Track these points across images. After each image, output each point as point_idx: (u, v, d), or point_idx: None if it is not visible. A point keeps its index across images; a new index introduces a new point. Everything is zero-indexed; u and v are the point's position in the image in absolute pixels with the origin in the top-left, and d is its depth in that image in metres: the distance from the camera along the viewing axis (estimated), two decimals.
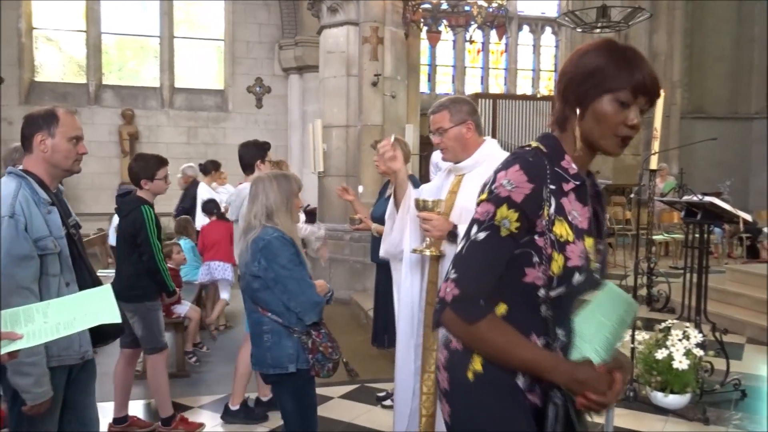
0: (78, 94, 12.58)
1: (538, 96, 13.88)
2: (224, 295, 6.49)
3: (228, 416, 4.22)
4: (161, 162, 3.96)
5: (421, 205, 2.65)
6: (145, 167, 3.90)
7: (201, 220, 7.04)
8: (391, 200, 2.98)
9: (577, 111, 1.52)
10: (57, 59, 12.91)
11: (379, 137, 7.72)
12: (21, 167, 2.43)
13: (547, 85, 15.51)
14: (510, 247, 1.49)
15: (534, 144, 1.60)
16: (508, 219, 1.47)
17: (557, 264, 1.48)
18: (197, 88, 13.42)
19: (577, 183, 1.53)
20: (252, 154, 4.26)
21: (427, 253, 2.68)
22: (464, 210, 2.69)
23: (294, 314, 2.68)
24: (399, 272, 2.97)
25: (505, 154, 2.80)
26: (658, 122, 6.43)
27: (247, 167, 4.25)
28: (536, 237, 1.50)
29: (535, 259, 1.50)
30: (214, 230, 6.50)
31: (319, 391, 4.71)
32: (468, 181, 2.75)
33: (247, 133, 13.22)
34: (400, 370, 2.90)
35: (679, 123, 14.83)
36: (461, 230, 2.58)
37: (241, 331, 6.51)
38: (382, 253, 3.06)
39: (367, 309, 6.25)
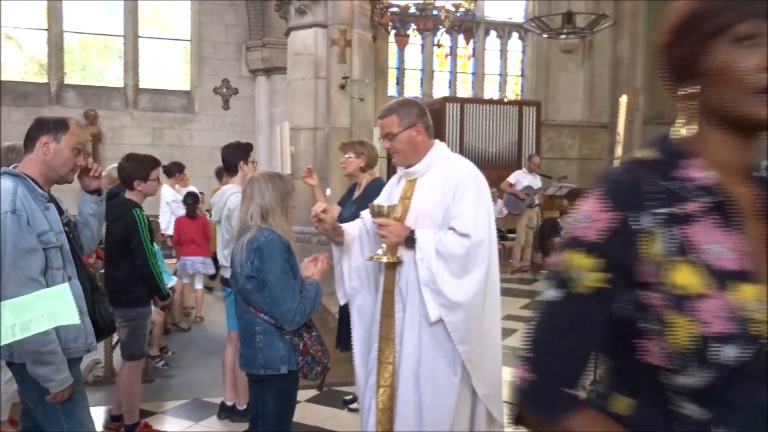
0: (39, 93, 12.29)
1: (506, 100, 14.02)
2: (200, 285, 6.85)
3: (235, 415, 4.18)
4: (155, 162, 3.92)
5: (376, 211, 2.61)
6: (140, 168, 3.83)
7: (166, 219, 6.99)
8: (334, 247, 2.93)
9: (691, 84, 1.05)
10: (17, 58, 12.60)
11: (348, 140, 7.71)
12: (15, 167, 2.49)
13: (514, 90, 15.69)
14: (598, 309, 1.01)
15: (640, 153, 1.09)
16: (585, 269, 1.00)
17: (682, 333, 0.94)
18: (162, 89, 13.23)
19: (715, 199, 0.99)
20: (235, 155, 4.26)
21: (384, 260, 2.63)
22: (420, 214, 2.67)
23: None
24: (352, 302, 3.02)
25: (457, 157, 2.83)
26: (621, 127, 6.55)
27: (231, 168, 4.25)
28: (640, 291, 0.99)
29: (647, 325, 0.99)
30: (189, 226, 6.47)
31: None
32: (422, 185, 2.73)
33: (213, 134, 13.10)
34: (357, 379, 2.90)
35: (642, 128, 15.15)
36: (419, 235, 2.57)
37: (204, 336, 6.49)
38: (342, 299, 3.02)
39: (334, 312, 6.22)
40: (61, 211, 2.55)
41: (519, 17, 15.31)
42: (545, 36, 12.42)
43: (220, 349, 5.74)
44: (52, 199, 2.53)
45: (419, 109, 2.77)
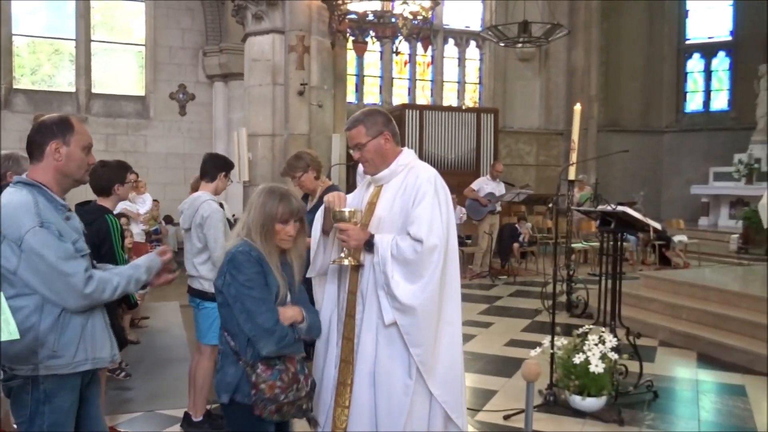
0: None
1: (464, 108, 14.17)
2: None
3: (191, 427, 4.07)
4: (127, 166, 3.89)
5: (337, 216, 2.64)
6: (118, 172, 3.78)
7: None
8: (317, 224, 2.93)
9: None
10: None
11: (306, 146, 7.66)
12: (26, 176, 2.32)
13: (472, 97, 15.87)
14: None
15: None
16: None
17: None
18: (116, 94, 12.94)
19: None
20: (215, 164, 4.18)
21: (346, 262, 2.68)
22: (382, 219, 2.71)
23: (245, 338, 2.39)
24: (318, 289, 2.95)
25: (422, 164, 2.86)
26: (575, 134, 6.70)
27: (208, 174, 4.16)
28: None
29: None
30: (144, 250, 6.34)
31: None
32: (386, 191, 2.78)
33: (169, 141, 12.87)
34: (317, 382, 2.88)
35: (596, 136, 15.50)
36: (378, 240, 2.62)
37: (155, 347, 6.33)
38: (312, 273, 2.98)
39: None
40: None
41: (476, 26, 15.51)
42: (502, 44, 12.60)
43: (173, 360, 5.64)
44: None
45: (385, 117, 2.82)
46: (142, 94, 13.14)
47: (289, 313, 2.44)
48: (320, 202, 4.12)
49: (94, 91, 12.74)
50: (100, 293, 2.25)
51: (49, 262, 2.15)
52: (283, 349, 2.39)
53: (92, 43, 12.80)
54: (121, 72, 13.17)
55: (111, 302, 2.46)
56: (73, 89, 12.60)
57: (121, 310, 3.88)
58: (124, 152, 12.50)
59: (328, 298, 2.87)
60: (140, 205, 7.11)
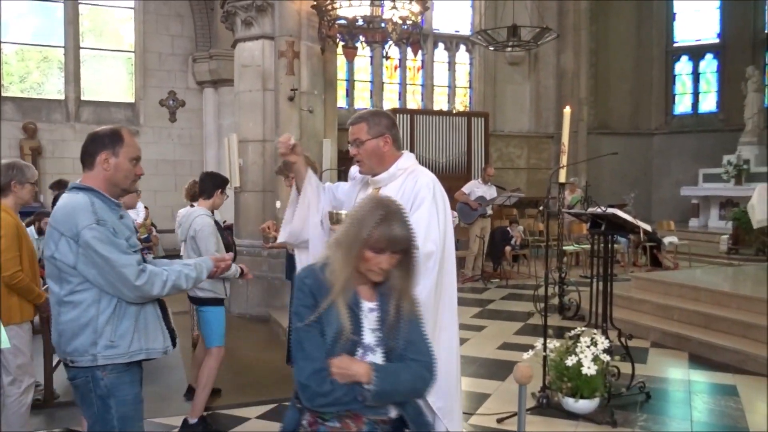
0: None
1: (455, 112, 14.20)
2: None
3: (185, 428, 4.23)
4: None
5: (334, 219, 2.64)
6: None
7: None
8: (293, 187, 2.95)
9: None
10: None
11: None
12: (79, 182, 2.50)
13: (463, 101, 15.90)
14: None
15: None
16: None
17: None
18: (106, 101, 12.89)
19: None
20: (214, 182, 4.57)
21: None
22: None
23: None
24: (302, 263, 2.95)
25: (421, 169, 2.86)
26: (565, 138, 6.70)
27: (205, 192, 4.55)
28: None
29: None
30: None
31: (235, 412, 4.63)
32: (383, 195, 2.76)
33: (160, 147, 12.82)
34: None
35: (587, 138, 15.56)
36: None
37: None
38: (282, 238, 3.01)
39: (285, 326, 6.14)
40: None
41: (466, 30, 15.56)
42: (492, 48, 12.64)
43: (167, 367, 5.59)
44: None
45: (389, 120, 2.81)
46: (132, 100, 13.10)
47: (354, 368, 1.86)
48: None
49: (83, 98, 12.69)
50: (151, 285, 2.39)
51: (102, 254, 2.31)
52: (326, 407, 1.88)
53: (81, 50, 12.75)
54: (110, 79, 13.13)
55: (162, 302, 2.61)
56: (62, 97, 12.54)
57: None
58: None
59: None
60: (133, 214, 7.06)
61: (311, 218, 2.91)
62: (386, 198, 2.06)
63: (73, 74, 12.58)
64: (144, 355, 2.47)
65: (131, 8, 12.99)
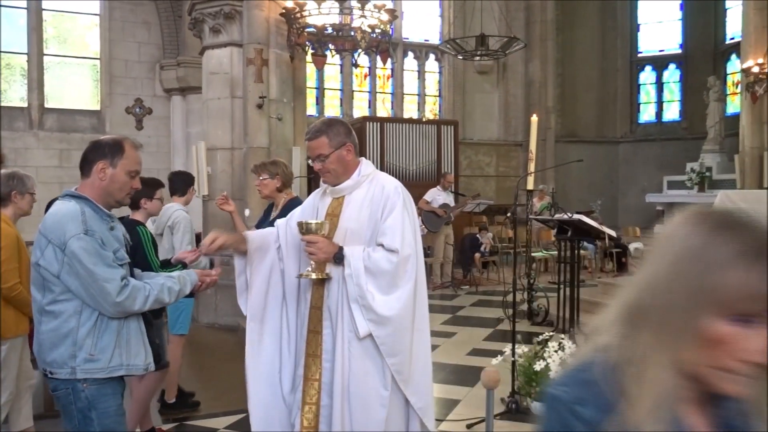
0: None
1: (424, 120, 14.27)
2: None
3: (166, 409, 4.64)
4: (159, 183, 4.25)
5: (304, 228, 2.62)
6: (146, 189, 4.09)
7: None
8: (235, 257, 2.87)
9: None
10: None
11: (266, 159, 7.59)
12: (75, 189, 2.48)
13: (432, 109, 16.00)
14: None
15: None
16: None
17: None
18: (70, 109, 12.65)
19: None
20: (185, 180, 4.87)
21: (313, 276, 2.64)
22: (349, 231, 2.69)
23: None
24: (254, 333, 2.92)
25: (383, 175, 2.87)
26: (533, 145, 6.79)
27: (178, 190, 4.81)
28: None
29: None
30: None
31: (204, 422, 4.56)
32: (350, 203, 2.75)
33: None
34: (260, 402, 2.82)
35: (555, 146, 15.77)
36: (348, 252, 2.60)
37: None
38: (244, 310, 2.95)
39: None
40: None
41: (435, 39, 15.68)
42: (460, 57, 12.76)
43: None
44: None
45: (346, 128, 2.80)
46: (98, 108, 12.88)
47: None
48: (282, 213, 4.11)
49: (47, 105, 12.43)
50: (132, 301, 2.35)
51: (86, 266, 2.28)
52: None
53: (45, 57, 12.51)
54: (75, 86, 12.89)
55: (147, 316, 2.57)
56: (25, 104, 12.28)
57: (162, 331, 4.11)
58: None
59: (274, 313, 2.83)
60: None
61: (271, 283, 2.85)
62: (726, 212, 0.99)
63: (36, 81, 12.33)
64: (124, 371, 2.43)
65: (96, 15, 12.80)
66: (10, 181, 3.65)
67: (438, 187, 10.42)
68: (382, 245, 2.60)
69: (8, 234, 3.52)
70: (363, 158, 2.89)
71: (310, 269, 2.65)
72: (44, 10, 12.46)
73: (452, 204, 10.18)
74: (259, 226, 4.53)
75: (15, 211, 3.69)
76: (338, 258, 2.59)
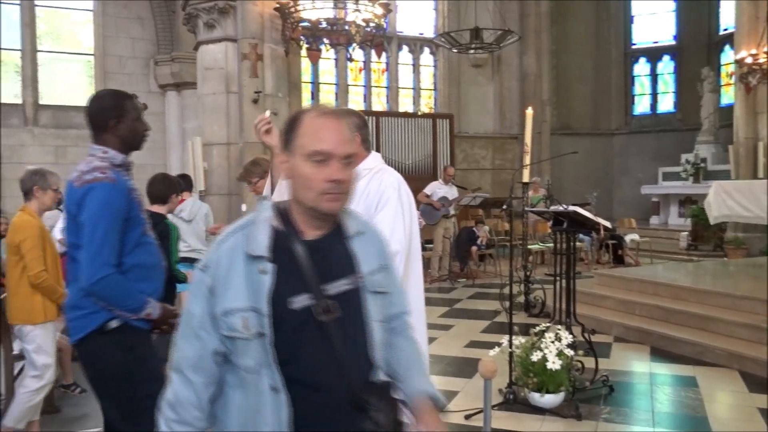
0: None
1: (419, 113, 14.28)
2: None
3: None
4: (175, 184, 4.54)
5: None
6: (173, 186, 4.43)
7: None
8: (268, 181, 2.88)
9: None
10: None
11: (262, 155, 7.60)
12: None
13: (428, 103, 16.00)
14: None
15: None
16: None
17: None
18: (65, 105, 12.60)
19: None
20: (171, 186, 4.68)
21: None
22: None
23: None
24: None
25: (387, 169, 2.86)
26: (528, 138, 6.83)
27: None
28: None
29: None
30: None
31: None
32: None
33: None
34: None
35: (550, 139, 15.80)
36: None
37: None
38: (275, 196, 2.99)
39: None
40: None
41: (429, 33, 15.67)
42: (455, 51, 12.77)
43: None
44: None
45: (360, 119, 2.75)
46: None
47: None
48: None
49: (41, 102, 12.39)
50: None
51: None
52: None
53: (39, 53, 12.46)
54: (69, 82, 12.85)
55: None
56: (19, 101, 12.23)
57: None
58: (75, 164, 12.15)
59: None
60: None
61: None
62: None
63: (30, 78, 12.29)
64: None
65: (90, 10, 12.75)
66: (34, 176, 3.84)
67: (439, 180, 10.45)
68: None
69: (32, 225, 3.75)
70: (372, 152, 2.84)
71: None
72: (37, 5, 12.40)
73: (453, 197, 10.19)
74: None
75: (39, 206, 3.86)
76: None
